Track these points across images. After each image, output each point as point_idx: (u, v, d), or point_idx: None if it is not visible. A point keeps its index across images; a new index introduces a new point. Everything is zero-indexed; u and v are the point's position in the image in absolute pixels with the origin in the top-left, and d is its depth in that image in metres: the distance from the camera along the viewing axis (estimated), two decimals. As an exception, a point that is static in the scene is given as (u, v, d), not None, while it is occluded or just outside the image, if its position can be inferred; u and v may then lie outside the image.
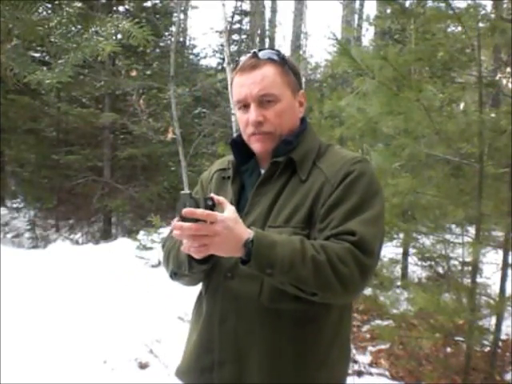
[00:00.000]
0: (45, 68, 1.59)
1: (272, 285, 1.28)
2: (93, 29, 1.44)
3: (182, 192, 1.19)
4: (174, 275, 1.45)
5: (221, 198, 1.23)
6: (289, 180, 1.38)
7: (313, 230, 1.32)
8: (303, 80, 9.92)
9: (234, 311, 1.35)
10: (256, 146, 1.40)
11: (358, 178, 1.34)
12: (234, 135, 1.51)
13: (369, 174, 1.37)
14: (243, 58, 1.42)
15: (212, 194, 1.23)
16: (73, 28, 1.45)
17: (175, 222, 1.17)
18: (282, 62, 1.41)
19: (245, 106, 1.39)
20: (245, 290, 1.33)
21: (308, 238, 1.29)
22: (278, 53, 1.43)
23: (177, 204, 1.19)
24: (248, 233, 1.21)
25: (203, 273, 1.40)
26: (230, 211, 1.21)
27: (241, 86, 1.38)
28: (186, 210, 1.14)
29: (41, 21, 1.46)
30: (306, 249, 1.22)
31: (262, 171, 1.43)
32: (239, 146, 1.46)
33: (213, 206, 1.20)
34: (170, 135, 8.53)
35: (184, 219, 1.15)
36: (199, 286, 1.52)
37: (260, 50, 1.42)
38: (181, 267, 1.35)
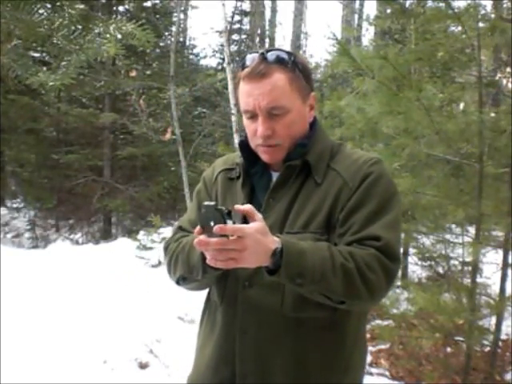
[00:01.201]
0: (45, 69, 1.59)
1: (294, 293, 1.25)
2: (96, 30, 1.44)
3: (206, 203, 1.12)
4: (183, 280, 1.38)
5: (249, 209, 1.14)
6: (303, 183, 1.34)
7: (332, 235, 1.28)
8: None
9: (255, 322, 1.31)
10: (264, 156, 1.36)
11: (377, 180, 1.31)
12: (240, 137, 1.48)
13: (386, 176, 1.34)
14: (250, 60, 1.31)
15: (239, 206, 1.14)
16: (75, 29, 1.45)
17: (201, 236, 1.11)
18: (292, 65, 1.32)
19: (251, 116, 1.32)
20: (265, 300, 1.29)
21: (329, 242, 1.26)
22: (289, 54, 1.33)
23: (200, 215, 1.14)
24: (276, 242, 1.15)
25: (215, 278, 1.35)
26: (258, 221, 1.14)
27: (248, 95, 1.30)
28: (217, 228, 1.06)
29: (42, 22, 1.46)
30: (334, 256, 1.19)
31: (273, 174, 1.38)
32: (247, 148, 1.40)
33: (243, 218, 1.15)
34: (168, 135, 8.51)
35: (209, 232, 1.10)
36: (203, 292, 1.49)
37: (268, 51, 1.32)
38: (192, 272, 1.30)
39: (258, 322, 1.31)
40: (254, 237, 1.11)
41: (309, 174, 1.34)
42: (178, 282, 1.41)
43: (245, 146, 1.40)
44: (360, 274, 1.18)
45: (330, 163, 1.35)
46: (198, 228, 1.13)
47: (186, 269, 1.33)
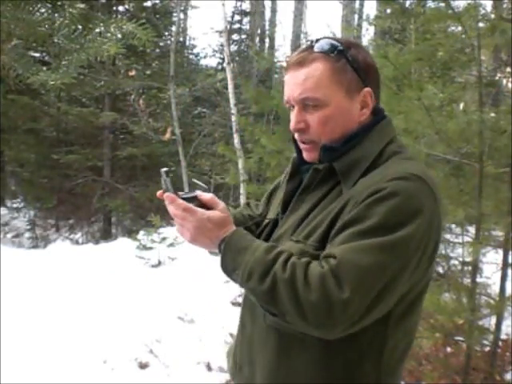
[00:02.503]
0: (45, 68, 1.60)
1: None
2: (97, 30, 1.43)
3: (164, 169, 1.24)
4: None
5: (210, 198, 1.25)
6: (331, 190, 1.21)
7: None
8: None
9: (250, 318, 1.33)
10: (304, 154, 1.27)
11: (385, 198, 1.09)
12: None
13: (405, 196, 1.09)
14: (300, 49, 1.25)
15: (200, 194, 1.26)
16: (76, 29, 1.45)
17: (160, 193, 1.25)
18: (338, 55, 1.19)
19: (290, 107, 1.24)
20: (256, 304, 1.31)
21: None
22: (336, 44, 1.20)
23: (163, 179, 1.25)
24: (227, 233, 1.20)
25: None
26: (218, 211, 1.23)
27: (286, 85, 1.23)
28: (167, 195, 1.22)
29: (43, 21, 1.46)
30: (275, 263, 1.09)
31: None
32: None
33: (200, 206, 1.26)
34: (168, 135, 8.51)
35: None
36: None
37: (319, 40, 1.21)
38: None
39: (252, 319, 1.33)
40: (202, 223, 1.20)
41: (339, 181, 1.20)
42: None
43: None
44: (290, 288, 1.05)
45: (366, 172, 1.18)
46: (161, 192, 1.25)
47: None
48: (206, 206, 1.23)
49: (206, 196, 1.25)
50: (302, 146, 1.26)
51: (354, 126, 1.22)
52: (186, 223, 1.20)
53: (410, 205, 1.09)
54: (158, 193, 1.24)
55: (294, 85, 1.20)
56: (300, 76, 1.19)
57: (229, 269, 1.17)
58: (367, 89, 1.22)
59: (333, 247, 1.10)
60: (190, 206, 1.21)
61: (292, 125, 1.23)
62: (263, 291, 1.09)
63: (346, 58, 1.19)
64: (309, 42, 1.24)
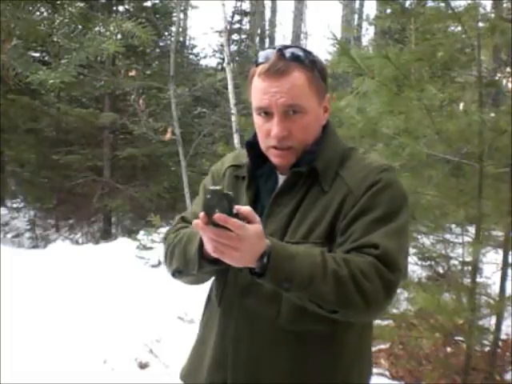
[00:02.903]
0: (45, 67, 1.60)
1: (292, 305, 1.21)
2: (96, 29, 1.43)
3: (212, 188, 1.08)
4: (178, 273, 1.34)
5: (247, 211, 1.12)
6: (309, 190, 1.28)
7: (333, 246, 1.23)
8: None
9: (249, 333, 1.27)
10: (276, 159, 1.29)
11: (384, 188, 1.24)
12: (241, 137, 1.44)
13: (395, 185, 1.27)
14: (265, 56, 1.25)
15: (239, 207, 1.11)
16: (75, 28, 1.45)
17: (201, 216, 1.07)
18: (310, 64, 1.26)
19: (266, 114, 1.25)
20: (262, 311, 1.26)
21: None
22: (307, 53, 1.28)
23: (205, 201, 1.07)
24: (266, 245, 1.12)
25: (211, 274, 1.34)
26: (257, 224, 1.11)
27: (265, 92, 1.23)
28: (219, 216, 1.04)
29: (42, 20, 1.45)
30: (327, 262, 1.14)
31: (280, 177, 1.33)
32: (254, 148, 1.34)
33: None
34: (168, 135, 8.50)
35: (210, 218, 1.06)
36: (203, 287, 1.47)
37: (286, 48, 1.26)
38: (188, 265, 1.27)
39: (252, 333, 1.27)
40: (251, 240, 1.08)
41: (315, 180, 1.28)
42: (173, 275, 1.38)
43: (252, 145, 1.34)
44: (354, 282, 1.13)
45: (338, 170, 1.28)
46: (201, 214, 1.07)
47: (182, 261, 1.30)
48: (244, 219, 1.11)
49: (246, 209, 1.12)
50: (276, 152, 1.27)
51: (320, 129, 1.33)
52: (237, 243, 1.07)
53: (402, 191, 1.30)
54: (202, 215, 1.07)
55: (277, 93, 1.22)
56: (284, 84, 1.22)
57: (279, 278, 1.12)
58: (328, 95, 1.35)
59: (358, 236, 1.20)
60: (243, 223, 1.08)
61: (276, 132, 1.24)
62: (329, 292, 1.13)
63: (316, 66, 1.28)
64: (276, 50, 1.25)
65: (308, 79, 1.25)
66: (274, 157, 1.29)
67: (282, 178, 1.33)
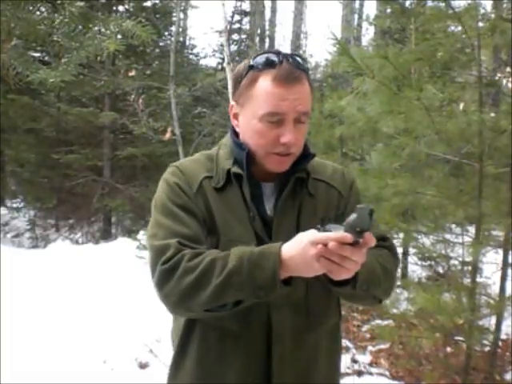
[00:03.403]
0: (45, 67, 1.59)
1: (315, 306, 1.31)
2: (96, 28, 1.43)
3: (363, 206, 1.06)
4: (233, 306, 1.19)
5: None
6: (302, 196, 1.33)
7: None
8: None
9: (291, 344, 1.29)
10: (274, 166, 1.28)
11: (357, 185, 1.44)
12: (239, 144, 1.29)
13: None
14: (270, 61, 1.24)
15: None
16: (75, 27, 1.45)
17: (349, 238, 1.05)
18: (309, 73, 1.30)
19: (276, 121, 1.23)
20: (295, 319, 1.29)
21: None
22: (305, 62, 1.30)
23: (354, 220, 1.05)
24: None
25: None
26: None
27: (281, 99, 1.22)
28: (370, 237, 1.05)
29: (42, 20, 1.45)
30: (378, 260, 1.29)
31: (264, 185, 1.32)
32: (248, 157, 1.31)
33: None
34: (168, 135, 8.49)
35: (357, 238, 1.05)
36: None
37: (293, 55, 1.27)
38: (255, 293, 1.14)
39: (294, 344, 1.29)
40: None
41: (304, 185, 1.33)
42: (211, 310, 1.20)
43: (249, 155, 1.30)
44: (393, 274, 1.34)
45: (311, 175, 1.36)
46: (346, 235, 1.05)
47: (249, 290, 1.14)
48: None
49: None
50: (279, 158, 1.26)
51: None
52: (362, 257, 1.09)
53: None
54: (349, 237, 1.05)
55: (296, 100, 1.22)
56: (301, 91, 1.24)
57: (362, 283, 1.20)
58: None
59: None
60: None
61: (290, 139, 1.23)
62: (386, 285, 1.31)
63: (310, 78, 1.31)
64: (282, 55, 1.25)
65: (310, 88, 1.29)
66: (275, 163, 1.28)
67: (265, 186, 1.32)
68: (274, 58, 1.25)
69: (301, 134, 1.27)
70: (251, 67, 1.26)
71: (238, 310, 1.20)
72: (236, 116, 1.33)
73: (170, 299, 1.22)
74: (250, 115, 1.27)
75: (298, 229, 1.26)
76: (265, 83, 1.23)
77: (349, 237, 1.05)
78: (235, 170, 1.29)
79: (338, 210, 1.36)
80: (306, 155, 1.33)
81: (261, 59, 1.26)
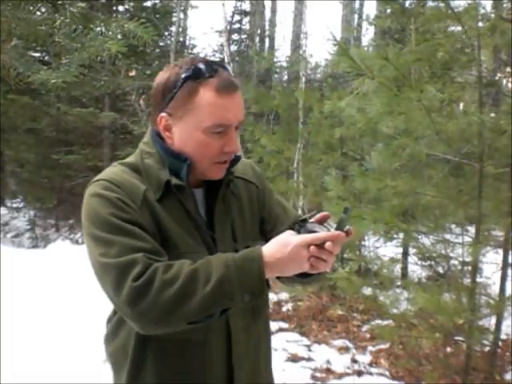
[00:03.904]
0: (45, 67, 1.59)
1: (260, 304, 1.38)
2: (97, 29, 1.43)
3: (348, 206, 1.18)
4: (221, 314, 1.19)
5: (327, 214, 1.24)
6: (228, 197, 1.35)
7: (263, 236, 1.41)
8: (303, 80, 9.91)
9: (248, 344, 1.35)
10: (217, 173, 1.29)
11: (263, 174, 1.52)
12: (175, 155, 1.24)
13: None
14: (210, 70, 1.22)
15: (323, 213, 1.23)
16: (76, 28, 1.45)
17: (340, 235, 1.16)
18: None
19: (221, 131, 1.23)
20: (245, 319, 1.35)
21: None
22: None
23: (344, 220, 1.16)
24: None
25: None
26: None
27: (226, 109, 1.21)
28: (351, 229, 1.17)
29: (43, 21, 1.45)
30: None
31: (195, 191, 1.31)
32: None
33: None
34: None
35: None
36: None
37: (220, 62, 1.29)
38: (246, 296, 1.15)
39: (246, 344, 1.34)
40: None
41: (228, 186, 1.36)
42: (195, 321, 1.16)
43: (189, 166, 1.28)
44: None
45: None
46: (340, 233, 1.15)
47: (239, 297, 1.14)
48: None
49: (325, 213, 1.25)
50: (221, 166, 1.29)
51: None
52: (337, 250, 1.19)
53: None
54: (340, 233, 1.16)
55: (238, 109, 1.24)
56: (240, 100, 1.26)
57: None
58: None
59: (285, 216, 1.46)
60: None
61: (234, 147, 1.26)
62: None
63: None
64: (218, 64, 1.25)
65: None
66: (218, 171, 1.29)
67: (197, 192, 1.32)
68: (210, 67, 1.23)
69: (238, 141, 1.30)
70: (188, 78, 1.22)
71: (221, 318, 1.21)
72: (168, 128, 1.26)
73: (148, 316, 1.13)
74: (192, 127, 1.23)
75: (234, 232, 1.32)
76: (207, 94, 1.20)
77: (343, 234, 1.15)
78: (176, 181, 1.25)
79: (258, 203, 1.43)
80: (233, 158, 1.34)
81: (197, 69, 1.22)
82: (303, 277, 1.26)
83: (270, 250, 1.16)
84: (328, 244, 1.13)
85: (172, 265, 1.15)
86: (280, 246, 1.15)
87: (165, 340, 1.24)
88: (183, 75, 1.22)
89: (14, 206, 10.90)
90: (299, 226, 1.19)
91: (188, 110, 1.22)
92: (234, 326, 1.30)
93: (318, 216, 1.21)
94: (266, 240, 1.23)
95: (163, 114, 1.25)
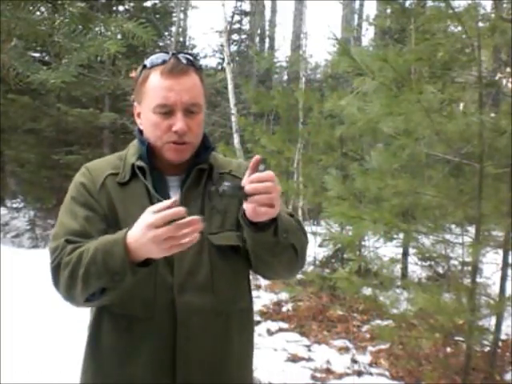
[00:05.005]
0: (45, 67, 1.59)
1: (224, 287, 1.33)
2: (97, 29, 1.43)
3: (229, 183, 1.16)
4: (100, 294, 1.23)
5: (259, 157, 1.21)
6: (205, 187, 1.36)
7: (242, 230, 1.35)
8: (303, 80, 9.91)
9: (198, 326, 1.31)
10: (172, 155, 1.33)
11: None
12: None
13: None
14: (161, 59, 1.33)
15: (256, 157, 1.20)
16: (76, 28, 1.45)
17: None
18: (200, 69, 1.39)
19: (167, 112, 1.31)
20: (201, 302, 1.31)
21: (243, 237, 1.32)
22: (196, 60, 1.39)
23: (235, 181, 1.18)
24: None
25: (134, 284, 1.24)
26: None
27: (169, 90, 1.30)
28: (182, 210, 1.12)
29: (43, 20, 1.45)
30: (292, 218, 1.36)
31: (168, 179, 1.36)
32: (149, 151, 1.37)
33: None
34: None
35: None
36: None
37: (179, 53, 1.35)
38: (114, 278, 1.18)
39: (201, 326, 1.31)
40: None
41: (209, 176, 1.38)
42: (88, 299, 1.25)
43: (149, 148, 1.36)
44: (305, 232, 1.39)
45: (217, 169, 1.40)
46: (180, 209, 1.12)
47: (107, 277, 1.19)
48: None
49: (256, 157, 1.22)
50: (174, 146, 1.32)
51: None
52: (277, 190, 1.19)
53: None
54: (182, 211, 1.13)
55: (182, 90, 1.30)
56: (187, 83, 1.32)
57: (285, 230, 1.29)
58: None
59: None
60: None
61: (180, 127, 1.30)
62: (300, 237, 1.34)
63: (202, 72, 1.40)
64: (170, 54, 1.34)
65: (201, 82, 1.37)
66: (172, 151, 1.33)
67: (170, 179, 1.37)
68: (160, 55, 1.35)
69: (195, 124, 1.33)
70: (144, 66, 1.35)
71: (108, 298, 1.24)
72: (139, 115, 1.40)
73: (61, 293, 1.31)
74: (146, 110, 1.34)
75: (203, 216, 1.31)
76: (155, 78, 1.32)
77: (182, 211, 1.11)
78: (138, 163, 1.36)
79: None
80: (206, 147, 1.40)
81: (153, 58, 1.35)
82: (262, 230, 1.22)
83: (133, 232, 1.16)
84: (164, 230, 1.10)
85: (76, 248, 1.26)
86: (136, 227, 1.16)
87: (116, 317, 1.33)
88: (143, 65, 1.37)
89: (14, 206, 10.91)
90: (217, 185, 1.16)
91: (143, 94, 1.35)
92: (181, 306, 1.29)
93: (251, 163, 1.18)
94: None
95: (134, 103, 1.41)
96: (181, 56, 1.34)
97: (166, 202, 1.14)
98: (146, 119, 1.35)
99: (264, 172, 1.15)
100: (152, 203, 1.27)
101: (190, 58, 1.36)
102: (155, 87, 1.32)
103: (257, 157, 1.18)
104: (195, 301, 1.30)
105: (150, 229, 1.12)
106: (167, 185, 1.36)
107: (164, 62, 1.32)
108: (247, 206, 1.16)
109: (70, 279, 1.24)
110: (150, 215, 1.13)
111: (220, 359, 1.35)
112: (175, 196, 1.33)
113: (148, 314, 1.30)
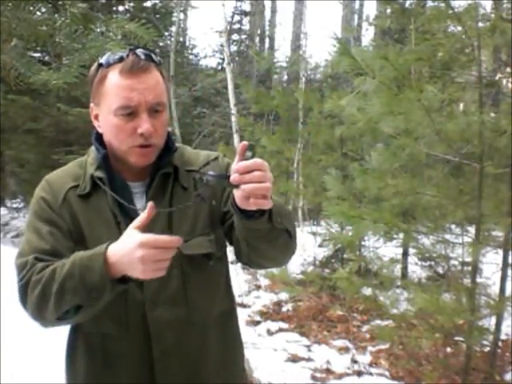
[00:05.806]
0: (46, 68, 1.60)
1: (198, 298, 1.28)
2: (98, 29, 1.43)
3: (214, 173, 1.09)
4: (75, 311, 1.16)
5: (243, 144, 1.10)
6: (173, 190, 1.30)
7: (218, 231, 1.31)
8: (303, 80, 9.92)
9: (173, 339, 1.27)
10: (138, 159, 1.25)
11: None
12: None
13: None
14: (118, 57, 1.23)
15: (243, 142, 1.11)
16: (77, 28, 1.45)
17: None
18: (160, 64, 1.28)
19: (130, 113, 1.21)
20: (174, 314, 1.26)
21: (217, 240, 1.29)
22: (155, 54, 1.29)
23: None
24: None
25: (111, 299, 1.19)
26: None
27: (131, 90, 1.20)
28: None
29: (43, 21, 1.45)
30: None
31: (132, 185, 1.29)
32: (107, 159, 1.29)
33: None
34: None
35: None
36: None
37: (136, 48, 1.26)
38: (91, 295, 1.13)
39: (176, 338, 1.27)
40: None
41: (176, 179, 1.30)
42: (60, 318, 1.19)
43: (106, 156, 1.28)
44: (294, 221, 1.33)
45: (185, 167, 1.33)
46: (175, 238, 1.07)
47: (84, 293, 1.13)
48: None
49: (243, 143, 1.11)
50: (140, 150, 1.23)
51: None
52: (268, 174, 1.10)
53: None
54: (176, 240, 1.08)
55: (145, 90, 1.21)
56: (150, 81, 1.22)
57: (279, 215, 1.24)
58: None
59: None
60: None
61: (147, 129, 1.21)
62: (294, 225, 1.30)
63: (161, 69, 1.29)
64: (128, 51, 1.24)
65: (162, 78, 1.27)
66: (138, 156, 1.24)
67: (133, 186, 1.29)
68: (120, 53, 1.24)
69: (160, 124, 1.24)
70: (100, 65, 1.25)
71: (82, 316, 1.18)
72: (96, 117, 1.29)
73: (30, 313, 1.26)
74: (106, 112, 1.24)
75: (171, 226, 1.26)
76: (113, 77, 1.22)
77: (176, 239, 1.06)
78: (98, 174, 1.27)
79: (215, 196, 1.31)
80: (168, 148, 1.31)
81: (109, 56, 1.25)
82: (255, 218, 1.14)
83: (118, 248, 1.10)
84: (153, 252, 1.04)
85: (47, 266, 1.20)
86: (122, 243, 1.10)
87: (90, 334, 1.30)
88: (98, 63, 1.26)
89: (14, 206, 10.91)
90: (200, 176, 1.10)
91: (101, 96, 1.25)
92: (153, 321, 1.25)
93: (238, 150, 1.08)
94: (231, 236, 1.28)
95: (91, 104, 1.30)
96: (139, 51, 1.24)
97: (144, 215, 1.09)
98: (107, 122, 1.25)
99: (250, 160, 1.04)
100: (115, 216, 1.24)
101: (149, 53, 1.26)
102: (115, 87, 1.21)
103: (243, 143, 1.08)
104: (167, 314, 1.25)
105: (142, 247, 1.05)
106: (131, 192, 1.29)
107: (122, 59, 1.22)
108: (237, 195, 1.07)
109: (41, 297, 1.19)
110: (140, 234, 1.07)
111: (199, 368, 1.30)
112: (139, 204, 1.26)
113: (121, 331, 1.26)
